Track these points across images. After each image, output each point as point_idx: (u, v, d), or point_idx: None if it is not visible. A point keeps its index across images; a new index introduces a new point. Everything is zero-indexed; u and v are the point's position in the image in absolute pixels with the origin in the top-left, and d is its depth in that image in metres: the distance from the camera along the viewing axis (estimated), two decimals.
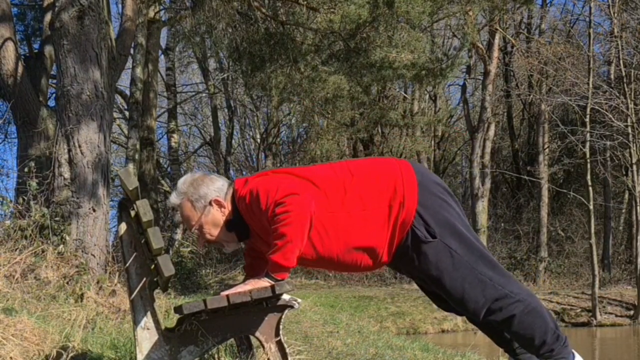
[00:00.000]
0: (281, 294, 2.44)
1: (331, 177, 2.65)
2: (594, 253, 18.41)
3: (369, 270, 2.73)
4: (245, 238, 2.73)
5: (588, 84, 19.01)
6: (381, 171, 2.67)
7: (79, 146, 6.42)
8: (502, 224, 23.35)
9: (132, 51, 12.50)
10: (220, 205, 2.67)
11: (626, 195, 22.73)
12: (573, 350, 2.72)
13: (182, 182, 2.74)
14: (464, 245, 2.62)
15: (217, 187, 2.70)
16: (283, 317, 2.51)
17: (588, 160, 18.95)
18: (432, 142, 24.98)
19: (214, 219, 2.67)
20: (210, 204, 2.66)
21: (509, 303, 2.61)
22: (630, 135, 18.45)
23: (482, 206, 20.13)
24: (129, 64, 13.67)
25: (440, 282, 2.62)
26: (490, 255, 2.68)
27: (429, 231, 2.59)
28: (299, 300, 2.56)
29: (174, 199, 2.72)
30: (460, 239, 2.62)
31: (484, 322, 2.72)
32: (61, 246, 5.87)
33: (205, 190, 2.68)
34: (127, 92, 17.64)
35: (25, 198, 6.12)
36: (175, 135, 20.17)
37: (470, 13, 14.33)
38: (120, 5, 15.38)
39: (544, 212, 21.38)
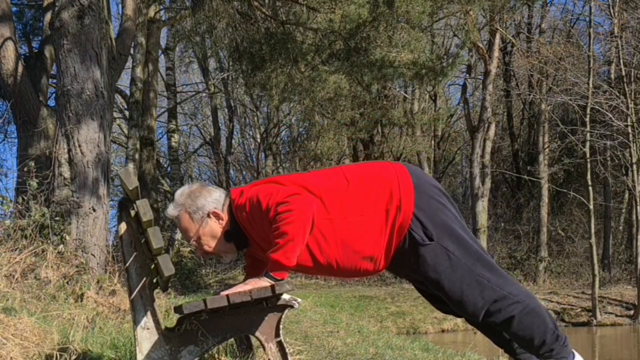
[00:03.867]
0: (281, 294, 2.44)
1: (327, 184, 2.65)
2: (594, 253, 18.40)
3: (368, 275, 2.74)
4: (244, 247, 2.73)
5: (588, 83, 19.00)
6: (376, 176, 2.67)
7: (79, 146, 6.42)
8: (502, 224, 23.33)
9: (132, 51, 12.50)
10: (217, 217, 2.67)
11: (626, 195, 22.71)
12: (573, 350, 2.73)
13: (179, 194, 2.73)
14: (461, 247, 2.62)
15: (215, 198, 2.69)
16: (283, 317, 2.51)
17: (588, 160, 18.94)
18: (432, 142, 24.95)
19: (212, 231, 2.67)
20: (208, 215, 2.66)
21: (508, 304, 2.61)
22: (630, 135, 18.45)
23: (482, 206, 20.10)
24: (129, 63, 13.68)
25: (438, 284, 2.63)
26: (488, 257, 2.68)
27: (427, 234, 2.60)
28: (299, 300, 2.56)
29: (171, 210, 2.71)
30: (457, 241, 2.62)
31: (483, 323, 2.73)
32: (61, 246, 5.87)
33: (203, 201, 2.67)
34: (127, 92, 17.63)
35: (25, 198, 6.12)
36: (175, 135, 20.17)
37: (471, 13, 14.32)
38: (120, 5, 15.38)
39: (544, 211, 21.36)
